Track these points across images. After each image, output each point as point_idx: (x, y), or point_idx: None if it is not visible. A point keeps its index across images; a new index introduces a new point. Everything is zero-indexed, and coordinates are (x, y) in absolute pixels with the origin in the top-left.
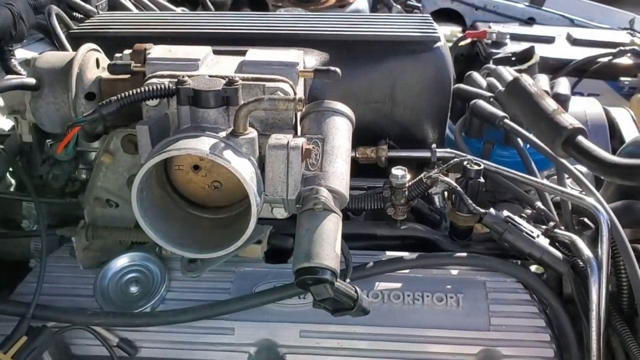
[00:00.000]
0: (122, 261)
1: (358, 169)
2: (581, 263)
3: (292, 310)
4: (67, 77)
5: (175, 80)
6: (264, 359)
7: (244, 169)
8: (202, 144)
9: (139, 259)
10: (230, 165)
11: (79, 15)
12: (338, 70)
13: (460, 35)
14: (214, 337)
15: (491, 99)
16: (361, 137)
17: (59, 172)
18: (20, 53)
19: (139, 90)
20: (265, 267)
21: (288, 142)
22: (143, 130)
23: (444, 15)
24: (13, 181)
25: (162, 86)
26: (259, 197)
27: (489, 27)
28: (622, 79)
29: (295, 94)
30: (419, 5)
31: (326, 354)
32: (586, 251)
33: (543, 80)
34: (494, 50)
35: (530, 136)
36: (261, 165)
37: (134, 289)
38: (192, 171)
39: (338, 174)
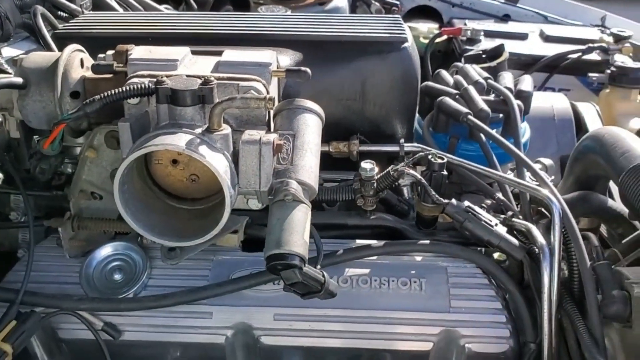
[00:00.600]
0: (106, 250)
1: (332, 162)
2: (536, 250)
3: (267, 295)
4: (53, 76)
5: (155, 80)
6: (240, 341)
7: (218, 163)
8: (179, 140)
9: (122, 248)
10: (205, 160)
11: (64, 14)
12: (308, 70)
13: (436, 32)
14: (193, 320)
15: (457, 96)
16: (334, 132)
17: (45, 166)
18: (6, 51)
19: (120, 90)
20: (241, 256)
21: (260, 138)
22: (124, 127)
23: (422, 12)
24: (1, 175)
25: (142, 85)
26: (232, 189)
27: (465, 24)
28: (590, 74)
29: (267, 92)
30: (397, 2)
31: (299, 336)
32: (540, 238)
33: (508, 77)
34: (468, 47)
35: (492, 132)
36: (235, 159)
37: (117, 277)
38: (170, 165)
39: (307, 167)
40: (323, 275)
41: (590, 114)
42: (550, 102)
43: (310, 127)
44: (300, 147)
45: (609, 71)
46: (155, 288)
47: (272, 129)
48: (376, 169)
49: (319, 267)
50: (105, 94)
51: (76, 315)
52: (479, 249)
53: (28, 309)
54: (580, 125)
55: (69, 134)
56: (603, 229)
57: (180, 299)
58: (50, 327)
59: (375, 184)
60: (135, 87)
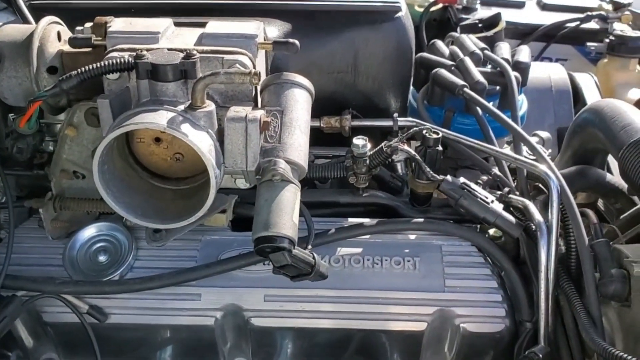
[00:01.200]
0: (90, 231)
1: (323, 138)
2: (533, 227)
3: (257, 276)
4: (28, 50)
5: (135, 54)
6: (230, 323)
7: (202, 142)
8: (160, 118)
9: (106, 229)
10: (188, 139)
11: None
12: (297, 42)
13: (431, 0)
14: (181, 302)
15: (452, 68)
16: (325, 107)
17: (23, 145)
18: None
19: (98, 65)
20: (231, 235)
21: (246, 115)
22: (104, 104)
23: None
24: None
25: (122, 60)
26: (218, 169)
27: None
28: (588, 44)
29: (254, 66)
30: None
31: (290, 317)
32: (537, 215)
33: (505, 48)
34: (464, 16)
35: (489, 105)
36: (220, 137)
37: (102, 258)
38: (153, 143)
39: (296, 145)
40: (313, 257)
41: (589, 85)
42: (548, 72)
43: (300, 102)
44: (288, 124)
45: (607, 40)
46: (141, 270)
47: (259, 105)
48: (369, 145)
49: (309, 247)
50: (83, 69)
51: (60, 299)
52: (474, 226)
53: (10, 293)
54: (578, 96)
55: (47, 111)
56: (600, 203)
57: (167, 281)
58: (34, 311)
59: (367, 161)
60: (115, 62)
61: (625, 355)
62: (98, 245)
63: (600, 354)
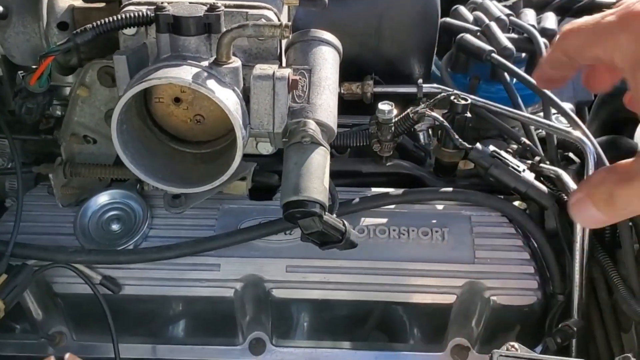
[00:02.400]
0: (102, 199)
1: (342, 105)
2: (565, 197)
3: (278, 246)
4: (38, 4)
5: (154, 7)
6: (250, 294)
7: (228, 99)
8: (184, 73)
9: (119, 196)
10: (214, 95)
11: None
12: None
13: None
14: (199, 273)
15: (478, 33)
16: (346, 72)
17: (32, 105)
18: None
19: (116, 18)
20: (250, 204)
21: (274, 73)
22: (121, 60)
23: None
24: None
25: (140, 13)
26: (244, 129)
27: None
28: None
29: (280, 21)
30: None
31: (312, 288)
32: (571, 184)
33: (530, 15)
34: None
35: (519, 70)
36: (245, 97)
37: (115, 227)
38: (173, 104)
39: (326, 106)
40: (344, 225)
41: None
42: None
43: (328, 61)
44: (317, 84)
45: None
46: (156, 239)
47: (284, 64)
48: (395, 111)
49: (334, 216)
50: (99, 22)
51: (72, 269)
52: (501, 197)
53: (19, 262)
54: None
55: (57, 70)
56: None
57: (185, 250)
58: (44, 281)
59: (393, 128)
60: (132, 15)
61: None
62: (111, 213)
63: None
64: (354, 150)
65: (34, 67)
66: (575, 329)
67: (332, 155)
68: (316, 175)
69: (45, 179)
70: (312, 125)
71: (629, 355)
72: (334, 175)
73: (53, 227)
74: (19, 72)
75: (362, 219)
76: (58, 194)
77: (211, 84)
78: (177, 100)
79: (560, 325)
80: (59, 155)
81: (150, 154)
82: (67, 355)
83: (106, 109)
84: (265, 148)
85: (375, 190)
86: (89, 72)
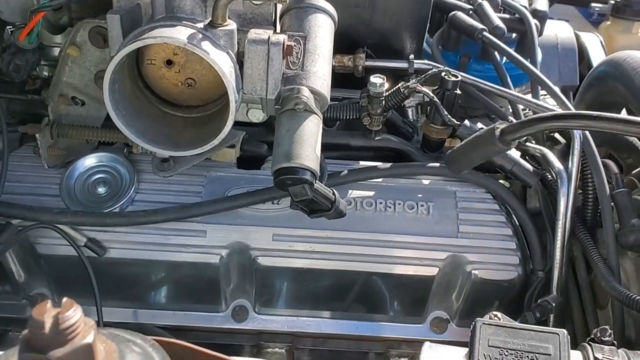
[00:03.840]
0: (89, 161)
1: (333, 78)
2: (549, 176)
3: (266, 214)
4: None
5: None
6: (235, 262)
7: (222, 62)
8: (179, 33)
9: (106, 159)
10: (209, 57)
11: None
12: None
13: None
14: (185, 239)
15: (470, 12)
16: (338, 44)
17: (20, 62)
18: None
19: None
20: (238, 173)
21: (269, 38)
22: (114, 19)
23: None
24: None
25: None
26: (237, 94)
27: None
28: (593, 4)
29: None
30: None
31: (298, 257)
32: (557, 163)
33: None
34: None
35: (510, 50)
36: (239, 61)
37: (101, 190)
38: (164, 67)
39: (320, 74)
40: (333, 194)
41: (594, 45)
42: (554, 30)
43: (323, 29)
44: (312, 51)
45: (612, 2)
46: (143, 203)
47: (278, 30)
48: (386, 85)
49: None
50: None
51: (56, 230)
52: (486, 174)
53: (3, 222)
54: (582, 56)
55: (47, 29)
56: None
57: (172, 215)
58: (27, 242)
59: (383, 102)
60: None
61: None
62: (97, 176)
63: (623, 301)
64: (343, 124)
65: (21, 25)
66: (553, 304)
67: None
68: (308, 143)
69: (31, 140)
70: (305, 92)
71: (606, 327)
72: (322, 148)
73: (38, 188)
74: (8, 27)
75: (350, 191)
76: (44, 155)
77: (206, 45)
78: (169, 62)
79: (539, 301)
80: (46, 116)
81: (141, 116)
82: (64, 300)
83: (96, 70)
84: (256, 115)
85: (364, 163)
86: (80, 31)
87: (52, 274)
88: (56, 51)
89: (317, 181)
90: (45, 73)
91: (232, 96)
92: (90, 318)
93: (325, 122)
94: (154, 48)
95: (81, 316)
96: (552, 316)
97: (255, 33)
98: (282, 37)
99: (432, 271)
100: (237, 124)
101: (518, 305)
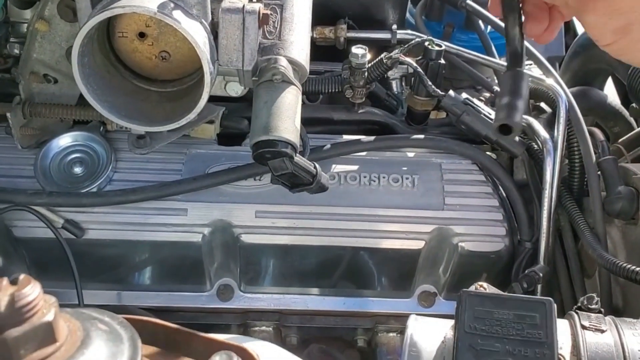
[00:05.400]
0: (64, 140)
1: (314, 51)
2: (535, 146)
3: (247, 191)
4: None
5: None
6: (218, 240)
7: (195, 32)
8: (149, 2)
9: (82, 138)
10: (181, 27)
11: None
12: None
13: None
14: (165, 217)
15: None
16: (319, 15)
17: None
18: None
19: None
20: (218, 149)
21: (244, 6)
22: None
23: None
24: None
25: None
26: (212, 65)
27: None
28: None
29: None
30: None
31: (282, 234)
32: (543, 132)
33: None
34: None
35: (494, 18)
36: (213, 32)
37: (78, 170)
38: (137, 39)
39: (298, 43)
40: (315, 167)
41: None
42: None
43: None
44: (289, 20)
45: None
46: (121, 182)
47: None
48: (368, 56)
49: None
50: None
51: (32, 211)
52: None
53: None
54: (568, 26)
55: (14, 3)
56: None
57: (150, 194)
58: (3, 225)
59: (366, 73)
60: None
61: (638, 269)
62: (73, 156)
63: (610, 269)
64: (326, 97)
65: None
66: (540, 274)
67: (302, 103)
68: (287, 115)
69: (3, 120)
70: (283, 62)
71: (593, 295)
72: (305, 122)
73: (12, 169)
74: None
75: (333, 165)
76: (17, 135)
77: (178, 14)
78: (141, 35)
79: (527, 271)
80: (18, 95)
81: (114, 91)
82: (21, 276)
83: (67, 45)
84: (234, 89)
85: (347, 137)
86: (49, 4)
87: (30, 257)
88: (26, 28)
89: (297, 154)
90: (17, 51)
91: (207, 68)
92: (50, 295)
93: (308, 96)
94: (125, 20)
95: (40, 293)
96: (539, 286)
97: (229, 2)
98: (257, 6)
99: (418, 244)
100: (216, 98)
101: (506, 277)
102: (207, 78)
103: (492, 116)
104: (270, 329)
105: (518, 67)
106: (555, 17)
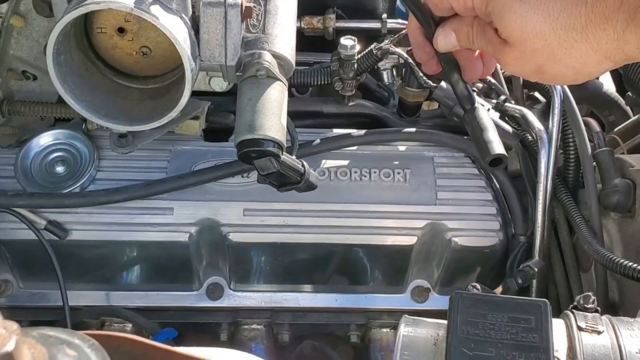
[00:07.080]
0: (45, 139)
1: (303, 42)
2: (530, 137)
3: (235, 189)
4: None
5: None
6: (206, 239)
7: (175, 27)
8: None
9: (64, 137)
10: (159, 22)
11: None
12: None
13: None
14: (151, 217)
15: None
16: (306, 5)
17: None
18: None
19: None
20: (204, 146)
21: (225, 0)
22: None
23: None
24: None
25: None
26: (193, 61)
27: None
28: None
29: None
30: None
31: (271, 232)
32: (537, 124)
33: None
34: None
35: None
36: (195, 26)
37: (60, 169)
38: (116, 35)
39: (283, 37)
40: (302, 165)
41: None
42: None
43: None
44: (273, 13)
45: None
46: (104, 182)
47: None
48: (357, 47)
49: (294, 157)
50: None
51: (13, 213)
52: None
53: None
54: None
55: None
56: None
57: (135, 193)
58: None
59: (355, 65)
60: None
61: (634, 265)
62: (55, 155)
63: (606, 265)
64: (316, 90)
65: None
66: (535, 269)
67: (292, 95)
68: (272, 112)
69: None
70: (267, 57)
71: (589, 294)
72: (293, 116)
73: None
74: None
75: (323, 160)
76: None
77: (156, 10)
78: (121, 30)
79: (521, 266)
80: None
81: (93, 90)
82: None
83: (45, 41)
84: (219, 84)
85: (337, 131)
86: None
87: (13, 259)
88: (0, 23)
89: (284, 153)
90: None
91: (188, 64)
92: (12, 322)
93: (297, 89)
94: (103, 15)
95: None
96: (534, 281)
97: None
98: None
99: (410, 240)
100: (201, 93)
101: (500, 271)
102: (189, 75)
103: (485, 107)
104: (262, 327)
105: (472, 105)
106: (488, 59)
